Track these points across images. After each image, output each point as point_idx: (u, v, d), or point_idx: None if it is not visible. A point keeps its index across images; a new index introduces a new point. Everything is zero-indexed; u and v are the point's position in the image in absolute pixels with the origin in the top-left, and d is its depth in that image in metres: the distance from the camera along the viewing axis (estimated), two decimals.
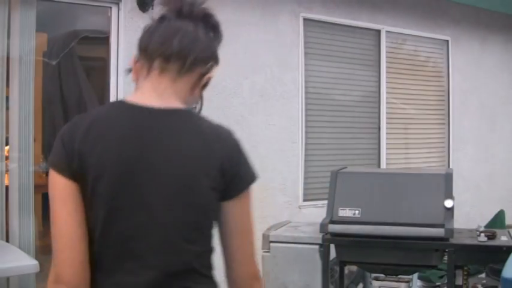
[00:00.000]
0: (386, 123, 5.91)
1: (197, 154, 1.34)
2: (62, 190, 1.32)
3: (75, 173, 1.31)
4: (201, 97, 1.48)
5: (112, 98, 4.28)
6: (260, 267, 3.64)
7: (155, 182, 1.32)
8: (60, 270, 1.29)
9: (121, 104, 1.42)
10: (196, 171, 1.33)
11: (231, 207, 1.38)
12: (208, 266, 1.40)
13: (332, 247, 3.44)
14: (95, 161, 1.30)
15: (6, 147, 4.07)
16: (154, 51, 1.39)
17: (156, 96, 1.38)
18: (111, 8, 4.30)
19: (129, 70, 1.46)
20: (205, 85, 1.47)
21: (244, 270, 1.43)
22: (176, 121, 1.37)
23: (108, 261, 1.33)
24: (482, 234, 3.32)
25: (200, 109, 1.49)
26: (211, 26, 1.45)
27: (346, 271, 3.62)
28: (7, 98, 3.97)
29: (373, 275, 3.66)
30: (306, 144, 5.30)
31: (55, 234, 1.31)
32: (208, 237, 1.38)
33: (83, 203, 1.32)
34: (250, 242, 1.43)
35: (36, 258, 3.77)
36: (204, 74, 1.43)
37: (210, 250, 1.40)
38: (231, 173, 1.36)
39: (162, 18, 1.42)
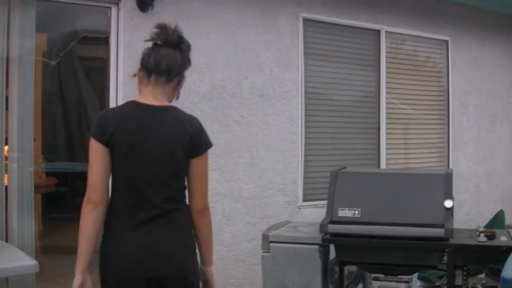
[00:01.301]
0: (386, 123, 5.91)
1: (176, 132, 2.35)
2: (97, 150, 2.28)
3: (106, 142, 2.27)
4: (178, 92, 2.49)
5: (111, 98, 4.27)
6: (260, 267, 3.66)
7: (151, 148, 2.31)
8: (89, 194, 2.27)
9: (133, 103, 2.40)
10: (175, 141, 2.34)
11: (194, 161, 2.39)
12: (182, 195, 2.41)
13: (332, 247, 3.45)
14: (118, 137, 2.29)
15: (6, 147, 4.06)
16: (151, 69, 2.37)
17: (153, 98, 2.38)
18: (110, 8, 4.29)
19: (134, 75, 2.45)
20: (181, 86, 2.48)
21: (199, 201, 2.42)
22: (165, 113, 2.37)
23: (124, 195, 2.32)
24: (482, 235, 3.33)
25: (177, 97, 2.50)
26: (184, 46, 2.41)
27: (345, 271, 3.62)
28: (7, 98, 3.97)
29: (373, 275, 3.66)
30: (306, 144, 5.30)
31: (89, 175, 2.28)
32: (182, 180, 2.39)
33: (111, 161, 2.29)
34: (204, 185, 2.44)
35: (36, 258, 3.77)
36: (180, 80, 2.45)
37: (183, 187, 2.41)
38: (196, 143, 2.37)
39: (154, 46, 2.38)
